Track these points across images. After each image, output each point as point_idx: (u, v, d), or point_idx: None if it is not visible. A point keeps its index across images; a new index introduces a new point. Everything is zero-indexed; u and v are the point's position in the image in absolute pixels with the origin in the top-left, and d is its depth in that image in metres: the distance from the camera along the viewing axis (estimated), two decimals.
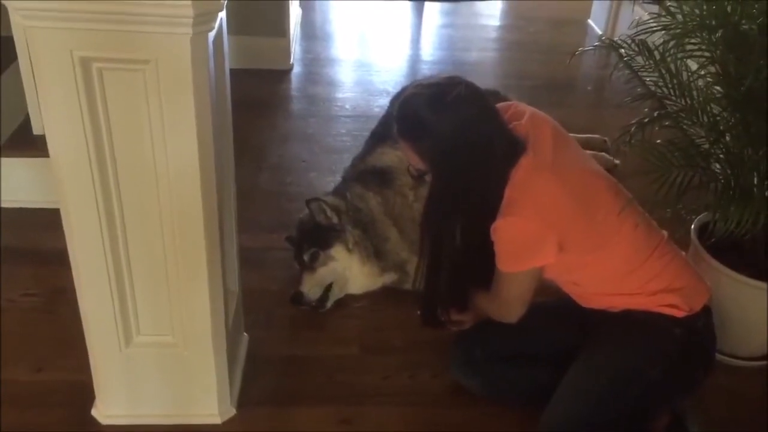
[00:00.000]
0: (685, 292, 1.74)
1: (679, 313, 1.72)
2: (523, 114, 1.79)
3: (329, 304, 2.35)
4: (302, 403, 2.00)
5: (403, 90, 3.09)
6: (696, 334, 1.75)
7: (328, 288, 2.35)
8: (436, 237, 1.82)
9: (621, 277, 1.76)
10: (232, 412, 1.93)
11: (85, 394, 1.89)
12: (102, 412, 1.89)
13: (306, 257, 2.36)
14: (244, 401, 1.96)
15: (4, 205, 2.71)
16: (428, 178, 1.74)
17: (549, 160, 1.71)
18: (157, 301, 1.70)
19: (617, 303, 1.78)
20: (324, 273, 2.36)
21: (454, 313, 1.99)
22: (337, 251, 2.37)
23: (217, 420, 1.90)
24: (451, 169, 1.68)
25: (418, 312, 2.04)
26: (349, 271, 2.39)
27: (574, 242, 1.69)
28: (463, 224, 1.76)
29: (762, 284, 2.00)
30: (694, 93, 2.05)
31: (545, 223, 1.66)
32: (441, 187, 1.72)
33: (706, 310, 1.77)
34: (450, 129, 1.63)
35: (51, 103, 1.43)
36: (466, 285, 1.95)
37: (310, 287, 2.33)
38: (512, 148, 1.70)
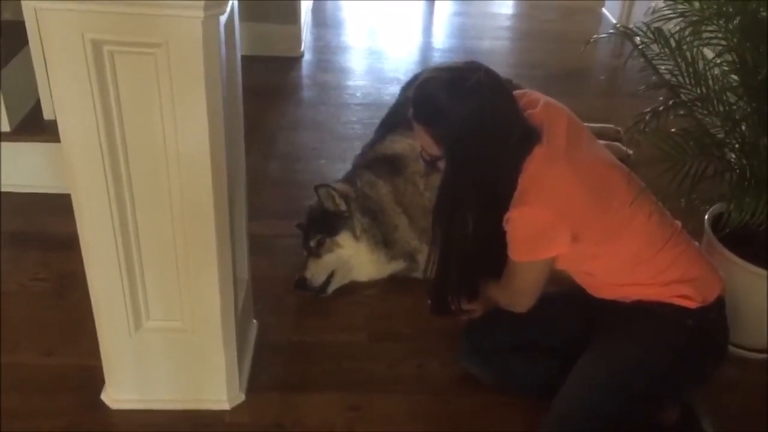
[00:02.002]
0: (698, 283, 1.73)
1: (691, 305, 1.71)
2: (537, 102, 1.77)
3: (330, 289, 2.35)
4: (310, 389, 2.00)
5: (416, 76, 3.09)
6: (708, 326, 1.74)
7: (332, 274, 2.35)
8: (448, 225, 1.80)
9: (634, 267, 1.75)
10: (241, 397, 1.93)
11: (95, 379, 1.89)
12: (111, 396, 1.89)
13: (312, 243, 2.36)
14: (252, 387, 1.97)
15: (14, 190, 2.71)
16: (440, 164, 1.72)
17: (563, 150, 1.69)
18: (166, 287, 1.70)
19: (630, 293, 1.77)
20: (329, 259, 2.35)
21: (465, 302, 1.98)
22: (344, 238, 2.36)
23: (226, 406, 1.90)
24: (465, 155, 1.66)
25: (428, 300, 2.03)
26: (355, 259, 2.38)
27: (587, 232, 1.68)
28: (475, 213, 1.75)
29: None
30: (710, 81, 2.03)
31: (559, 213, 1.65)
32: (454, 173, 1.71)
33: (720, 302, 1.76)
34: (467, 115, 1.61)
35: (62, 87, 1.42)
36: (477, 274, 1.94)
37: (314, 273, 2.33)
38: (527, 137, 1.68)
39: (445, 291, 1.95)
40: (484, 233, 1.77)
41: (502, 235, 1.71)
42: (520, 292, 1.81)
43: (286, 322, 2.25)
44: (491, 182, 1.70)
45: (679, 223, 1.81)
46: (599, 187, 1.70)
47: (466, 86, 1.61)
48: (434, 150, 1.70)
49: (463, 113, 1.61)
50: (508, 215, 1.67)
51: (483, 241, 1.79)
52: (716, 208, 2.15)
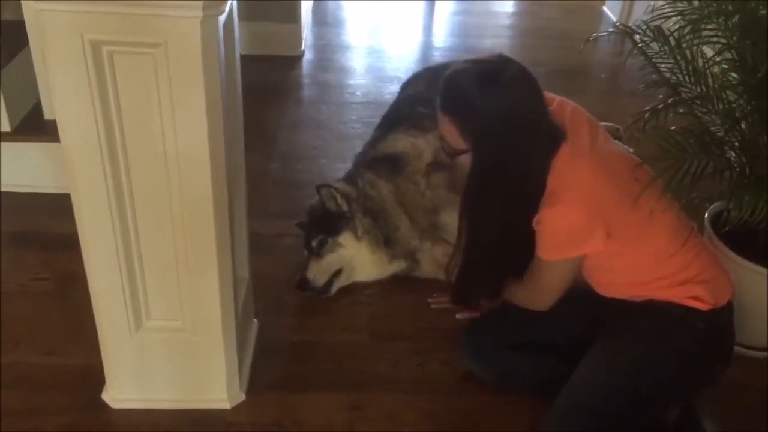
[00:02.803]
0: (711, 285, 1.71)
1: (703, 307, 1.69)
2: (552, 101, 1.76)
3: (333, 289, 2.35)
4: (311, 389, 2.00)
5: (416, 75, 3.10)
6: (718, 329, 1.73)
7: (335, 274, 2.35)
8: (475, 223, 1.78)
9: (655, 265, 1.73)
10: (242, 397, 1.93)
11: (96, 378, 1.90)
12: (112, 396, 1.89)
13: (314, 243, 2.35)
14: (253, 387, 1.97)
15: (15, 190, 2.71)
16: (460, 160, 1.70)
17: (587, 147, 1.68)
18: (166, 287, 1.70)
19: (643, 292, 1.75)
20: (331, 260, 2.35)
21: (486, 300, 1.97)
22: (346, 238, 2.36)
23: (227, 405, 1.90)
24: (493, 150, 1.64)
25: (450, 298, 2.03)
26: (356, 259, 2.38)
27: (619, 228, 1.65)
28: (501, 211, 1.72)
29: None
30: (710, 80, 2.03)
31: (591, 210, 1.63)
32: (481, 169, 1.67)
33: (729, 306, 1.75)
34: (500, 110, 1.59)
35: (62, 87, 1.42)
36: (501, 274, 1.91)
37: (316, 273, 2.32)
38: (554, 135, 1.67)
39: (467, 289, 1.94)
40: (511, 232, 1.74)
41: (527, 234, 1.69)
42: (545, 291, 1.79)
43: (287, 322, 2.25)
44: (518, 180, 1.68)
45: (694, 224, 1.80)
46: (625, 184, 1.67)
47: (500, 81, 1.59)
48: (459, 143, 1.67)
49: (495, 107, 1.59)
50: (539, 216, 1.65)
51: (510, 240, 1.76)
52: (716, 206, 2.15)
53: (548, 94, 1.79)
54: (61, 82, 1.42)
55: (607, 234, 1.64)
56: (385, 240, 2.39)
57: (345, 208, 2.37)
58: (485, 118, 1.60)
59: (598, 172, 1.65)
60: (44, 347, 2.07)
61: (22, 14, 2.41)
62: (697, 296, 1.69)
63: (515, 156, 1.65)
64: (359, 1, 5.25)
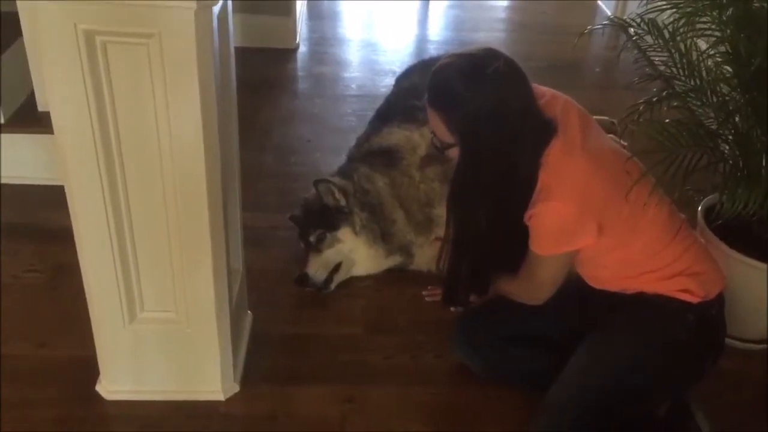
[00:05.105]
0: (702, 278, 1.72)
1: (693, 299, 1.70)
2: (544, 95, 1.76)
3: (333, 285, 2.35)
4: (305, 381, 2.00)
5: (410, 68, 3.09)
6: (708, 322, 1.73)
7: (334, 270, 2.35)
8: (462, 217, 1.78)
9: (646, 258, 1.73)
10: (236, 389, 1.93)
11: (89, 370, 1.90)
12: (106, 387, 1.90)
13: (312, 239, 2.35)
14: (247, 378, 1.97)
15: (9, 181, 2.71)
16: (451, 152, 1.70)
17: (579, 141, 1.67)
18: (160, 278, 1.70)
19: (633, 285, 1.76)
20: (330, 255, 2.35)
21: (476, 296, 1.97)
22: (344, 233, 2.36)
23: (220, 396, 1.91)
24: (480, 145, 1.63)
25: (441, 296, 2.02)
26: (355, 254, 2.38)
27: (610, 223, 1.66)
28: (489, 205, 1.72)
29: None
30: (704, 73, 2.04)
31: (584, 205, 1.63)
32: (468, 163, 1.67)
33: (720, 299, 1.75)
34: (485, 104, 1.58)
35: (55, 78, 1.42)
36: (490, 269, 1.90)
37: (316, 269, 2.32)
38: (544, 129, 1.67)
39: (457, 285, 1.94)
40: (499, 226, 1.74)
41: (517, 229, 1.69)
42: (540, 285, 1.79)
43: (281, 314, 2.25)
44: (504, 173, 1.68)
45: (684, 216, 1.80)
46: (617, 177, 1.67)
47: (485, 74, 1.58)
48: (447, 137, 1.67)
49: (480, 102, 1.59)
50: (532, 211, 1.65)
51: (498, 235, 1.76)
52: (709, 199, 2.15)
53: (540, 88, 1.78)
54: (54, 72, 1.41)
55: (599, 229, 1.65)
56: (383, 234, 2.38)
57: (343, 203, 2.36)
58: (470, 112, 1.60)
59: (590, 167, 1.65)
60: (38, 339, 2.07)
61: (14, 5, 2.40)
62: (688, 289, 1.70)
63: (501, 150, 1.65)
64: None
